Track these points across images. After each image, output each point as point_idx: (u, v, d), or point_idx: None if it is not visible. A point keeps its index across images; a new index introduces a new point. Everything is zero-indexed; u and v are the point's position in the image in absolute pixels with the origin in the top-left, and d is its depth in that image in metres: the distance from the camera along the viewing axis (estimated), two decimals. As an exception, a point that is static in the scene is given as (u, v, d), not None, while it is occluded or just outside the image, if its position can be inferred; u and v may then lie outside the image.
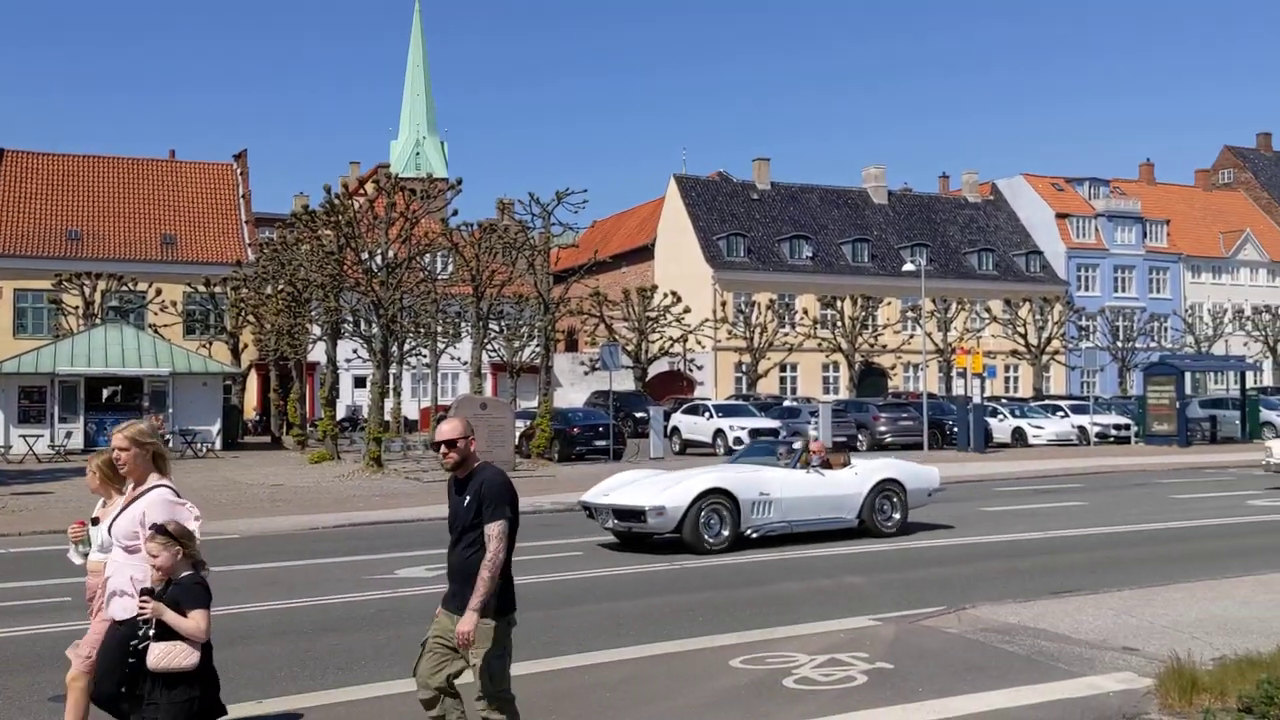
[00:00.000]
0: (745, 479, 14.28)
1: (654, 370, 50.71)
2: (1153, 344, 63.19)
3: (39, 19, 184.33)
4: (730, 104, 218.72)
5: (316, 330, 38.35)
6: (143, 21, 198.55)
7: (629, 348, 47.10)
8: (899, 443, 36.75)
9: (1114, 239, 70.36)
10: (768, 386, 54.89)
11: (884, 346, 56.67)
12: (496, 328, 45.03)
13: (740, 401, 44.64)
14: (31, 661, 8.69)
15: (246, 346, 46.57)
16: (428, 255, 39.21)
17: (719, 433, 35.34)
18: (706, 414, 37.08)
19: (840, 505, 14.94)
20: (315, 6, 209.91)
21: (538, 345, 38.56)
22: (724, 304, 56.72)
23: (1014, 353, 58.72)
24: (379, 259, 30.80)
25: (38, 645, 9.21)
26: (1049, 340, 57.16)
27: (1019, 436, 39.74)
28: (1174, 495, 21.62)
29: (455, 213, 36.39)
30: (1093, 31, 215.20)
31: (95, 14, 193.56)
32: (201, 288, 46.62)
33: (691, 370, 52.75)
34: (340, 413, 44.19)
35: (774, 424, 36.19)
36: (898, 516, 15.39)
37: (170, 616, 5.03)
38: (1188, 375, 41.95)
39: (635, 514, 13.81)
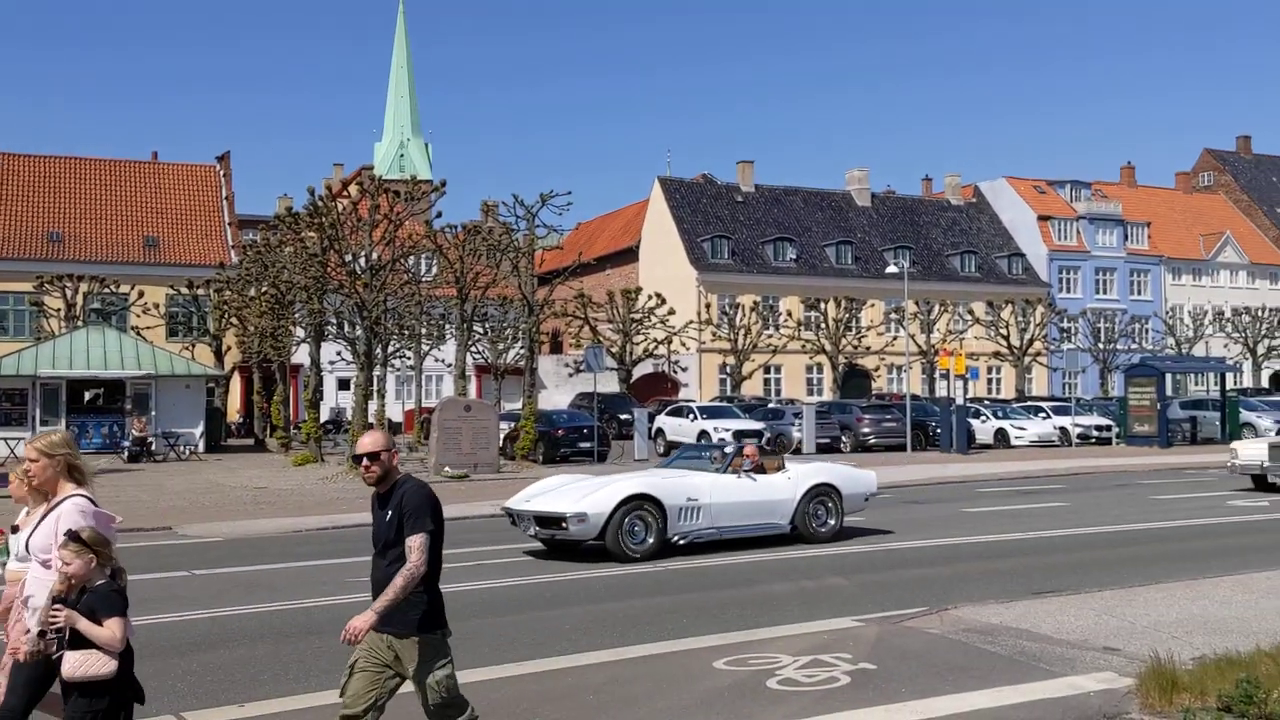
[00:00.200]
0: (672, 484, 13.93)
1: (638, 372, 50.74)
2: (1134, 346, 63.53)
3: (20, 21, 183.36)
4: (715, 107, 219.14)
5: (300, 332, 38.23)
6: (125, 23, 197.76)
7: (613, 350, 47.11)
8: (883, 444, 36.89)
9: (1095, 241, 70.72)
10: (752, 388, 54.97)
11: (867, 348, 56.84)
12: (481, 330, 44.99)
13: (724, 403, 44.71)
14: None
15: (230, 349, 46.40)
16: (412, 257, 39.13)
17: (703, 434, 35.36)
18: (691, 416, 37.12)
19: (772, 510, 14.62)
20: (299, 8, 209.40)
21: (522, 347, 38.55)
22: (708, 306, 56.79)
23: (996, 354, 58.98)
24: (363, 261, 30.74)
25: None
26: (1031, 342, 57.46)
27: (1001, 438, 39.91)
28: (1155, 496, 21.76)
29: (439, 215, 36.36)
30: (1075, 35, 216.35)
31: (78, 16, 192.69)
32: (184, 290, 46.42)
33: (676, 372, 52.79)
34: (324, 415, 44.04)
35: (758, 425, 36.26)
36: (832, 522, 15.06)
37: (84, 625, 4.87)
38: (1168, 377, 42.25)
39: (556, 521, 13.41)
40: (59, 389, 35.95)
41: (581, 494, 13.61)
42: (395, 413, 53.24)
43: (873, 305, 60.88)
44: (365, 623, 5.11)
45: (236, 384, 52.54)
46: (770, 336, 55.08)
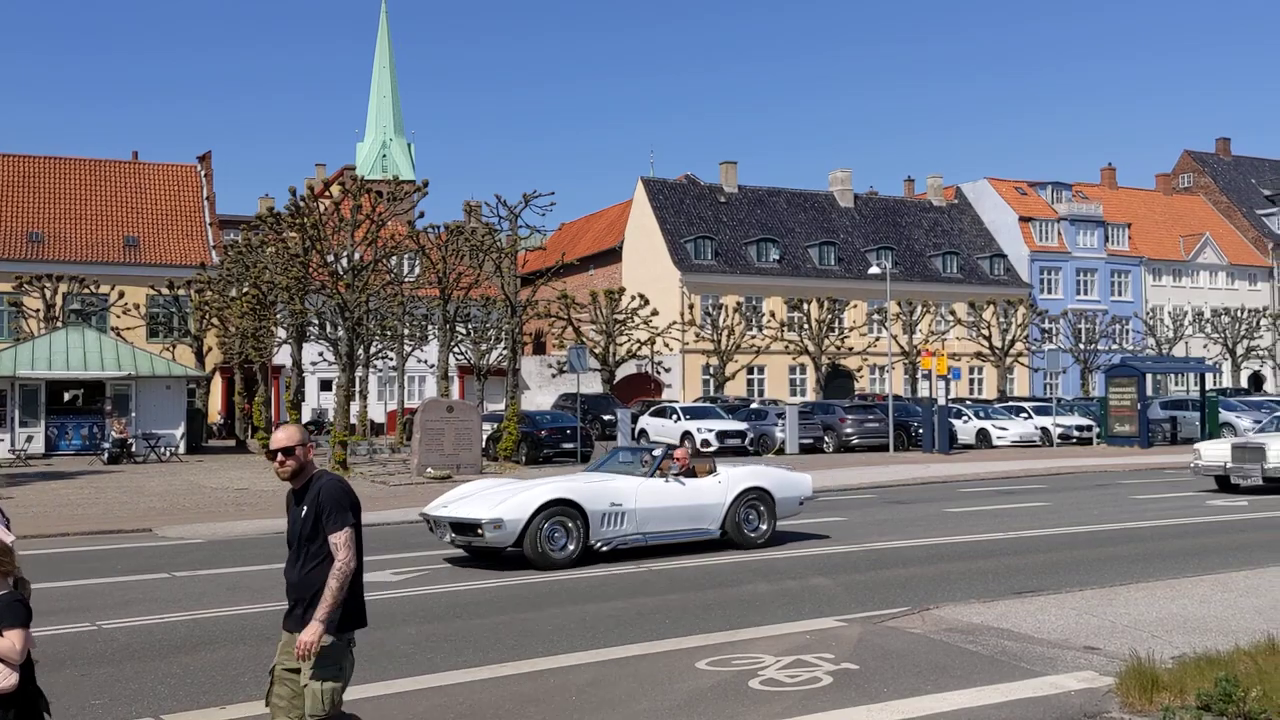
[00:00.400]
0: (595, 489, 13.52)
1: (622, 373, 50.72)
2: (1114, 346, 63.86)
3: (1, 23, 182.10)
4: (698, 109, 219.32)
5: (282, 333, 38.10)
6: (106, 23, 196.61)
7: (596, 350, 47.08)
8: (865, 444, 37.01)
9: (1076, 242, 71.08)
10: (735, 389, 55.04)
11: (850, 349, 56.97)
12: (463, 330, 44.92)
13: (708, 404, 44.75)
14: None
15: (211, 349, 46.19)
16: (394, 257, 39.06)
17: (686, 435, 35.42)
18: (674, 416, 37.15)
19: (701, 515, 14.23)
20: (280, 8, 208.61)
21: (505, 348, 38.50)
22: (691, 306, 56.83)
23: (978, 355, 59.21)
24: (345, 261, 30.65)
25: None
26: (1012, 342, 57.72)
27: (983, 438, 40.08)
28: (1135, 496, 21.88)
29: (422, 215, 36.22)
30: (1056, 39, 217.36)
31: (58, 17, 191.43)
32: (165, 290, 46.18)
33: (659, 373, 52.81)
34: (306, 416, 43.93)
35: (741, 426, 36.33)
36: (764, 527, 14.68)
37: None
38: (1149, 377, 42.47)
39: (472, 527, 12.96)
40: (38, 390, 35.71)
41: (499, 499, 13.13)
42: (377, 413, 53.11)
43: (855, 306, 61.05)
44: (315, 635, 5.01)
45: (218, 385, 52.30)
46: (753, 337, 55.17)
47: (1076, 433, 41.49)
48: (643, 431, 37.25)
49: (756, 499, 14.69)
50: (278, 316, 37.32)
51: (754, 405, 45.19)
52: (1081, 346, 60.65)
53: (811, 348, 53.78)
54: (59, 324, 41.04)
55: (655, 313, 48.98)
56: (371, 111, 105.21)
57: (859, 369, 60.08)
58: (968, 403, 48.40)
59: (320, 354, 37.62)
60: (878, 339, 59.47)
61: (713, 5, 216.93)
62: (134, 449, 34.51)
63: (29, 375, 35.26)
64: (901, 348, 56.13)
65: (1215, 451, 22.44)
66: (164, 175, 56.36)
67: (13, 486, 25.28)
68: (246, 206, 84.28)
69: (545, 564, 12.84)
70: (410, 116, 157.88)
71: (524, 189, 50.57)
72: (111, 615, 10.51)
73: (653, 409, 39.76)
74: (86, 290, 44.77)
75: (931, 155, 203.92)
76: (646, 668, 8.19)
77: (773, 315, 57.35)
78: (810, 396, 54.28)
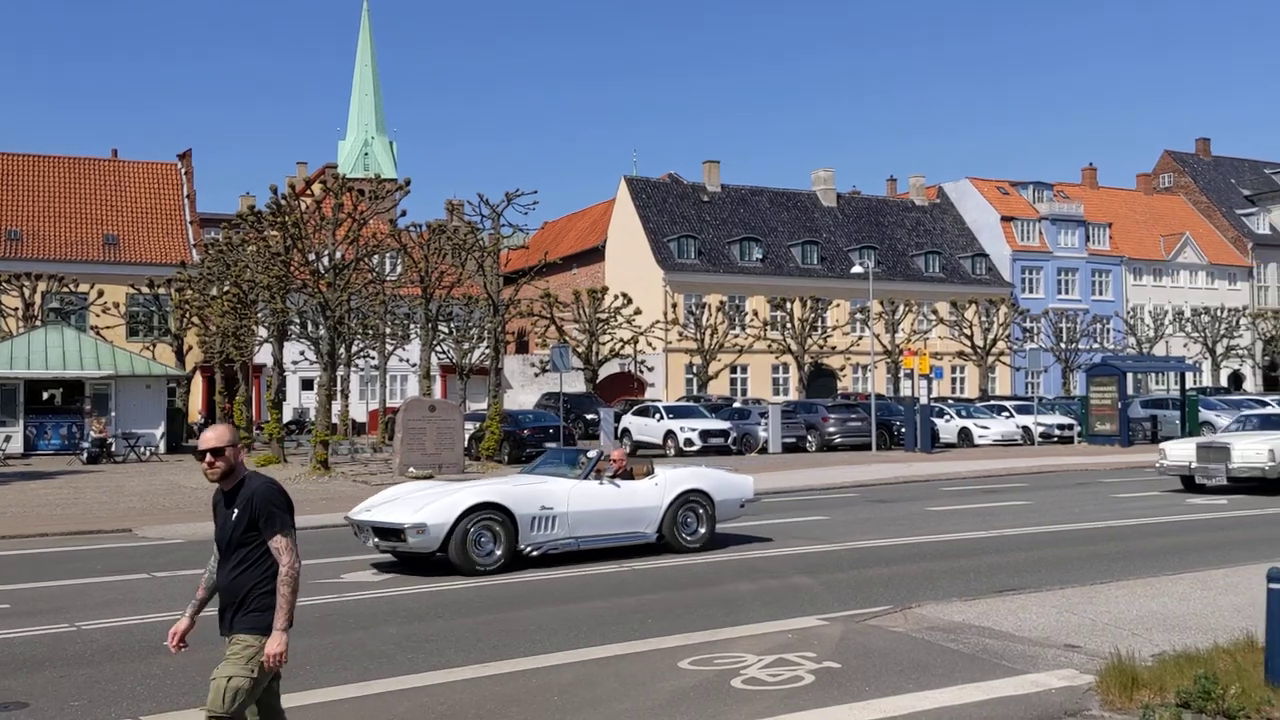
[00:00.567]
0: (524, 492, 13.17)
1: (605, 372, 50.68)
2: (1095, 345, 64.19)
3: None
4: (681, 108, 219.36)
5: (263, 332, 37.93)
6: (85, 22, 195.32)
7: (579, 349, 47.03)
8: (848, 443, 37.09)
9: (1057, 242, 71.41)
10: (718, 388, 55.09)
11: (833, 348, 57.07)
12: (445, 329, 44.79)
13: (691, 403, 44.78)
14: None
15: (191, 348, 45.94)
16: (376, 256, 38.92)
17: (670, 434, 35.44)
18: (657, 415, 37.15)
19: (637, 518, 13.86)
20: (262, 8, 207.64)
21: (487, 347, 38.38)
22: (674, 306, 56.85)
23: (960, 354, 59.41)
24: (326, 260, 30.52)
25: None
26: (994, 342, 57.96)
27: (965, 437, 40.23)
28: (1115, 494, 21.98)
29: (404, 213, 36.19)
30: (1037, 41, 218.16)
31: (39, 17, 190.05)
32: (145, 289, 45.92)
33: (642, 372, 52.79)
34: (287, 415, 43.76)
35: (724, 425, 36.36)
36: (703, 531, 14.32)
37: None
38: (1129, 376, 42.64)
39: (395, 532, 12.52)
40: (16, 389, 35.47)
41: (423, 503, 12.71)
42: (359, 413, 52.98)
43: (838, 305, 61.18)
44: (280, 644, 4.93)
45: (198, 384, 52.05)
46: (736, 336, 55.23)
47: (1058, 432, 41.72)
48: (626, 431, 37.24)
49: (695, 501, 14.34)
50: (259, 315, 37.15)
51: (736, 404, 45.26)
52: (1063, 346, 60.95)
53: (794, 347, 53.85)
54: (38, 323, 40.78)
55: (638, 312, 48.96)
56: (353, 110, 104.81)
57: (842, 368, 60.21)
58: (950, 402, 48.59)
59: (302, 353, 37.41)
60: (860, 338, 59.61)
61: (695, 8, 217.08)
62: (113, 449, 34.32)
63: (7, 374, 35.02)
64: (884, 347, 56.29)
65: (1180, 451, 22.32)
66: (144, 173, 56.04)
67: (-9, 486, 25.10)
68: (227, 205, 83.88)
69: (470, 570, 12.42)
70: (393, 118, 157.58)
71: (507, 188, 50.46)
72: (91, 616, 10.43)
73: (636, 408, 39.76)
74: (65, 289, 44.49)
75: (914, 155, 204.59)
76: (628, 667, 8.18)
77: (756, 314, 57.43)
78: (793, 396, 54.37)
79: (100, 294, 45.56)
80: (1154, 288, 73.86)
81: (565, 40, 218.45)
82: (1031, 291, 70.08)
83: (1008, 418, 42.13)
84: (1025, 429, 41.16)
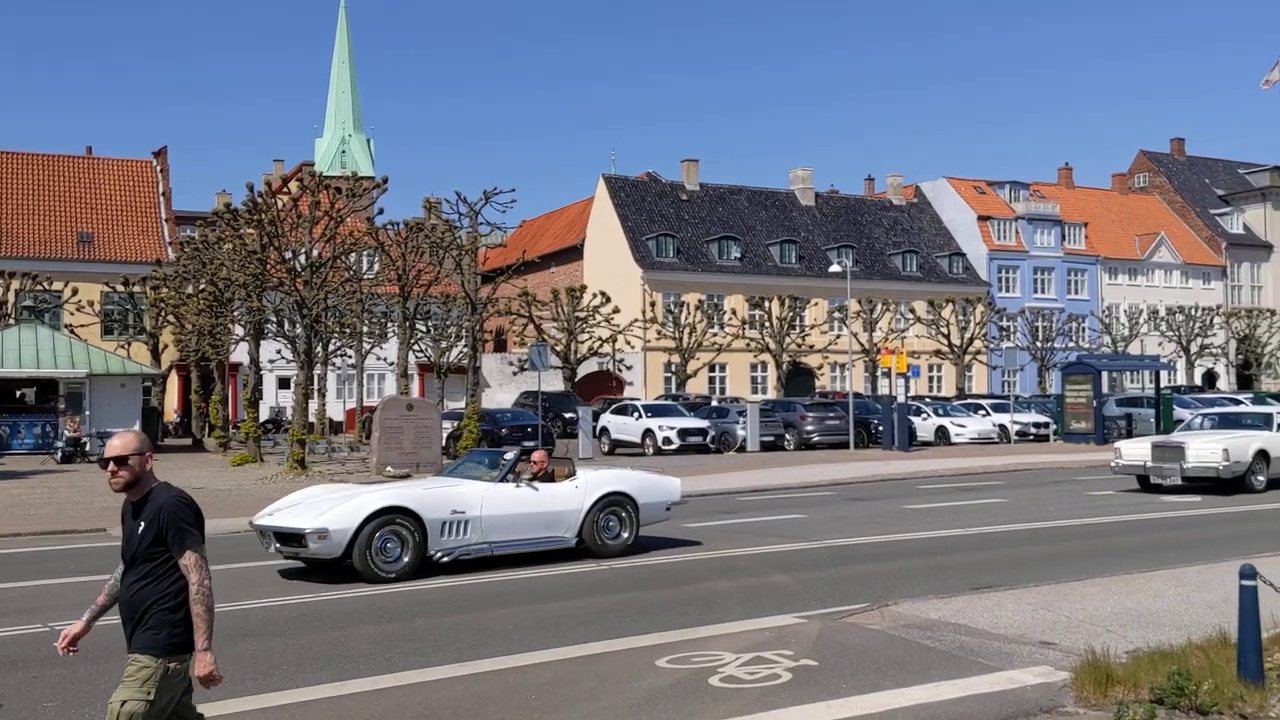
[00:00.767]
0: (434, 496, 12.71)
1: (583, 370, 50.67)
2: (1071, 344, 64.57)
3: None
4: (660, 108, 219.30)
5: (239, 330, 37.69)
6: (61, 19, 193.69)
7: (558, 348, 47.00)
8: (826, 442, 37.18)
9: (1034, 241, 71.79)
10: (697, 386, 55.14)
11: (811, 347, 57.26)
12: (423, 328, 44.62)
13: (669, 402, 44.80)
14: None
15: (167, 347, 45.63)
16: (353, 254, 38.75)
17: (648, 433, 35.43)
18: (635, 414, 37.12)
19: (555, 522, 13.41)
20: (238, 4, 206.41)
21: (465, 345, 38.28)
22: (653, 304, 56.85)
23: (937, 353, 59.68)
24: (303, 258, 30.36)
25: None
26: (971, 340, 58.22)
27: (942, 435, 40.39)
28: (1090, 492, 22.11)
29: (381, 211, 35.90)
30: (1014, 43, 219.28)
31: (9, 14, 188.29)
32: (120, 287, 45.55)
33: (621, 370, 52.82)
34: (263, 414, 43.49)
35: (703, 424, 36.39)
36: (625, 535, 13.85)
37: None
38: (1104, 375, 42.94)
39: (296, 538, 12.05)
40: (-11, 388, 35.16)
41: (326, 507, 12.23)
42: (336, 412, 52.76)
43: (816, 304, 61.31)
44: (206, 666, 4.71)
45: (174, 383, 51.70)
46: (715, 335, 55.29)
47: (1033, 430, 41.95)
48: (604, 429, 37.21)
49: (618, 504, 13.88)
50: (235, 314, 36.90)
51: (715, 403, 45.32)
52: (1038, 344, 61.30)
53: (772, 345, 53.96)
54: (11, 321, 40.37)
55: (617, 310, 48.96)
56: (330, 107, 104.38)
57: (820, 367, 60.38)
58: (927, 400, 48.78)
59: (278, 351, 37.19)
60: (838, 337, 59.81)
61: (676, 9, 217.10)
62: (88, 448, 34.04)
63: (-20, 373, 34.69)
64: (862, 346, 56.46)
65: (1135, 450, 21.99)
66: (119, 171, 55.59)
67: (-37, 486, 24.86)
68: (204, 203, 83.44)
69: (375, 578, 11.95)
70: (370, 116, 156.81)
71: (485, 186, 50.39)
72: (65, 616, 10.33)
73: (614, 407, 39.72)
74: (39, 287, 44.08)
75: (892, 154, 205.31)
76: (606, 666, 8.17)
77: (734, 313, 57.52)
78: (771, 394, 54.48)
79: (75, 292, 45.18)
80: (1129, 287, 74.36)
81: (544, 39, 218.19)
82: (1008, 290, 70.44)
83: (984, 416, 42.34)
84: (1001, 427, 41.38)
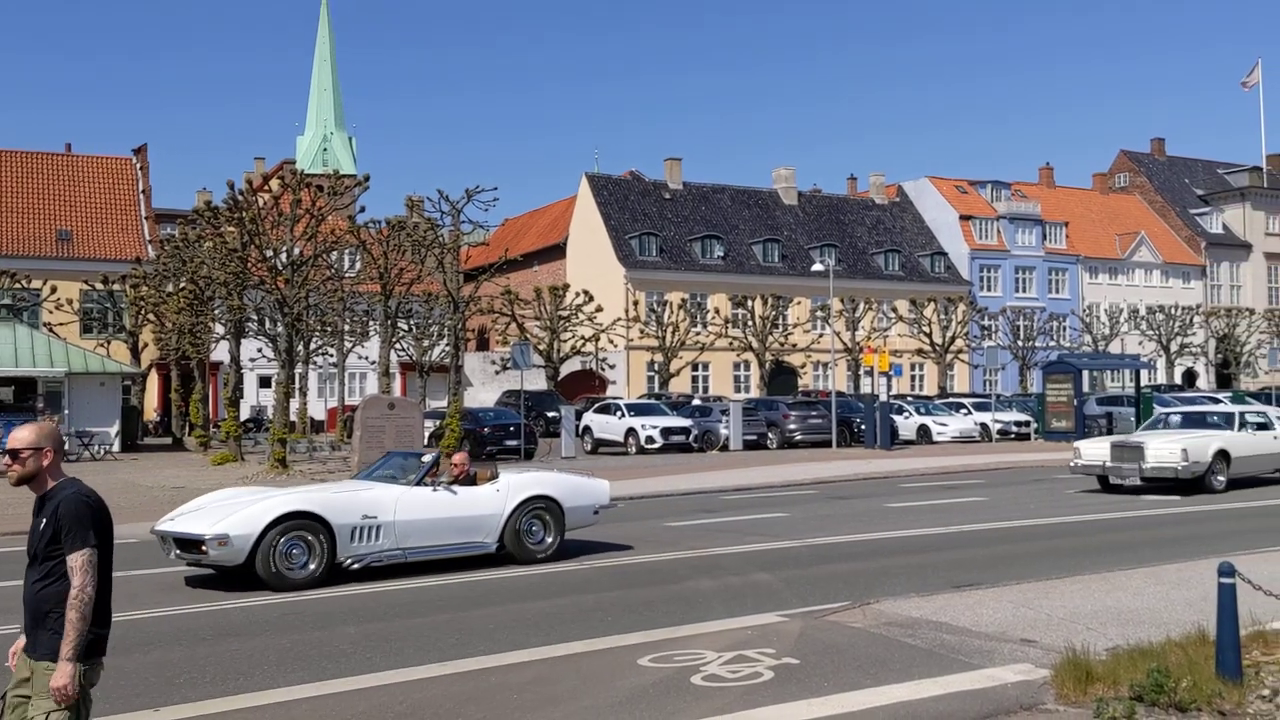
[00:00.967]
0: (344, 500, 12.25)
1: (566, 369, 50.62)
2: (1052, 343, 64.91)
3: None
4: (644, 106, 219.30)
5: (220, 329, 37.55)
6: (41, 17, 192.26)
7: (541, 347, 46.94)
8: (808, 440, 37.25)
9: (1015, 241, 72.09)
10: (680, 385, 55.16)
11: (794, 345, 57.37)
12: (405, 326, 44.54)
13: (652, 400, 44.82)
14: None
15: (146, 346, 45.38)
16: (334, 253, 38.61)
17: (631, 431, 35.44)
18: (618, 413, 37.13)
19: (474, 527, 12.96)
20: (220, 1, 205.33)
21: (447, 344, 38.23)
22: (636, 303, 56.86)
23: (919, 351, 59.87)
24: (284, 256, 30.25)
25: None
26: (953, 339, 58.45)
27: (924, 433, 40.52)
28: (1070, 490, 22.20)
29: (363, 210, 35.82)
30: (994, 41, 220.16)
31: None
32: (99, 285, 45.28)
33: (604, 369, 52.81)
34: (244, 413, 43.31)
35: (686, 423, 36.42)
36: (550, 540, 13.41)
37: None
38: (1085, 373, 43.13)
39: (195, 544, 11.55)
40: (-33, 387, 34.87)
41: (227, 512, 11.75)
42: (318, 410, 52.59)
43: (799, 303, 61.43)
44: (67, 678, 4.35)
45: (154, 382, 51.44)
46: (698, 334, 55.33)
47: (1015, 428, 42.15)
48: (587, 429, 37.21)
49: (542, 508, 13.43)
50: (215, 312, 36.76)
51: (697, 402, 45.37)
52: (1020, 343, 61.57)
53: (755, 344, 54.03)
54: (-11, 319, 40.03)
55: (600, 309, 48.93)
56: (312, 105, 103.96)
57: (802, 365, 60.49)
58: (909, 399, 48.93)
59: (259, 350, 37.08)
60: (821, 336, 59.94)
61: (658, 11, 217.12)
62: (67, 447, 33.82)
63: (-43, 372, 34.41)
64: (844, 344, 56.59)
65: (1095, 450, 21.72)
66: (98, 168, 55.23)
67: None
68: (184, 201, 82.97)
69: (281, 585, 11.49)
70: (353, 114, 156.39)
71: (467, 185, 50.24)
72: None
73: (597, 406, 39.73)
74: (17, 285, 43.74)
75: (874, 154, 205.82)
76: (589, 665, 8.17)
77: (717, 312, 57.57)
78: (754, 393, 54.55)
79: (53, 290, 44.80)
80: (1109, 286, 74.75)
81: (528, 38, 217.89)
82: (989, 290, 70.72)
83: (966, 415, 42.50)
84: (983, 426, 41.56)
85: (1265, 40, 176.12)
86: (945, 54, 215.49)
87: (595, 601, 10.81)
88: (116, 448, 36.01)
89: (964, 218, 71.24)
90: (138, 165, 55.95)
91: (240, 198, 30.27)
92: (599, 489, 14.36)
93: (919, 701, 7.01)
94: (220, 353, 41.13)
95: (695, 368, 58.63)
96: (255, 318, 33.61)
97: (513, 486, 13.37)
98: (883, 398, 37.14)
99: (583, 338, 47.76)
